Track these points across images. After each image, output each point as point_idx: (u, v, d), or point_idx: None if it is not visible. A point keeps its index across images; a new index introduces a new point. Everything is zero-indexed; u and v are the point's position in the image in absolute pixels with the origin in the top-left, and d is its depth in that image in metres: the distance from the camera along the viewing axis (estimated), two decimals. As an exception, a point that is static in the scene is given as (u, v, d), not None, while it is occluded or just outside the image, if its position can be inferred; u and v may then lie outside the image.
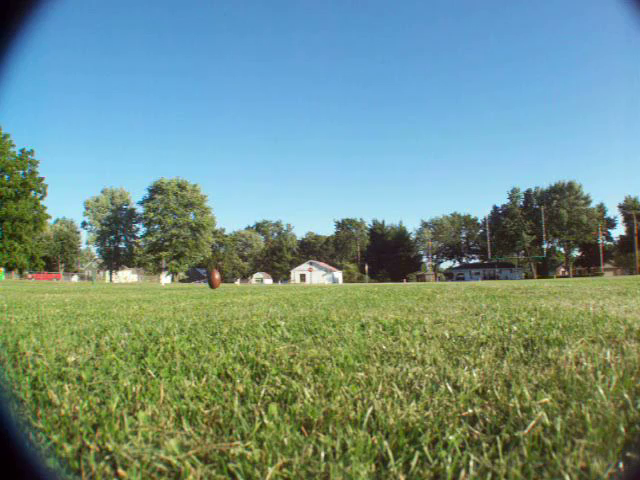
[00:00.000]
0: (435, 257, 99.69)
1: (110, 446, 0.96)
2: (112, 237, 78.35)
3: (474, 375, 1.47)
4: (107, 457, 0.93)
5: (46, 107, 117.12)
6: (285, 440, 0.99)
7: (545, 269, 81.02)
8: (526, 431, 1.01)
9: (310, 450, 0.95)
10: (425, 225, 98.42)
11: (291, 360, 1.74)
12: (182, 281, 73.56)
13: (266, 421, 1.09)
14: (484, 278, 76.70)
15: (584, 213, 78.67)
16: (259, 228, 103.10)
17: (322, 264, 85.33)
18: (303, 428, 1.07)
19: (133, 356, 1.85)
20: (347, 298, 5.75)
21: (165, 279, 63.89)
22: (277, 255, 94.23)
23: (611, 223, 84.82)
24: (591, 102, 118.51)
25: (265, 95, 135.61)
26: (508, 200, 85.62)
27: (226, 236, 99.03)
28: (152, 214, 72.26)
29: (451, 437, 0.99)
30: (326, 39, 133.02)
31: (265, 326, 2.71)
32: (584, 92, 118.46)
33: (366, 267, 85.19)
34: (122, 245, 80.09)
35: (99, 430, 1.05)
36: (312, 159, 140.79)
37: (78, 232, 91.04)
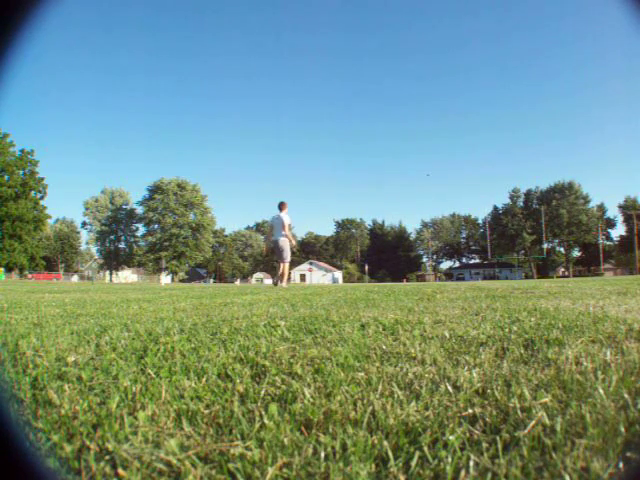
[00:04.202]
0: (435, 257, 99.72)
1: (110, 446, 0.96)
2: (112, 237, 78.36)
3: (474, 375, 1.47)
4: (107, 457, 0.93)
5: (46, 107, 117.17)
6: (285, 440, 0.99)
7: (545, 269, 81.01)
8: (526, 431, 1.01)
9: (310, 450, 0.94)
10: (425, 225, 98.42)
11: (291, 360, 1.74)
12: (182, 281, 73.53)
13: (266, 421, 1.09)
14: (484, 278, 76.67)
15: (584, 213, 78.64)
16: (259, 228, 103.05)
17: (322, 264, 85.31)
18: (303, 428, 1.07)
19: (133, 356, 1.85)
20: (347, 298, 5.74)
21: (165, 279, 63.90)
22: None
23: (611, 223, 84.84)
24: (591, 102, 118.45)
25: (265, 95, 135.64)
26: (508, 200, 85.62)
27: (226, 236, 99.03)
28: (152, 214, 72.27)
29: (451, 437, 0.98)
30: (326, 39, 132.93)
31: (265, 326, 2.71)
32: (584, 92, 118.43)
33: (366, 267, 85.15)
34: (122, 245, 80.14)
35: (99, 430, 1.05)
36: (312, 159, 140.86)
37: (78, 232, 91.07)
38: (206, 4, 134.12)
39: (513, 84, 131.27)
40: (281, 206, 11.83)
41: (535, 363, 1.65)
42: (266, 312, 3.72)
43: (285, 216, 11.70)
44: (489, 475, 0.84)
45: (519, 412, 1.12)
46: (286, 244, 11.66)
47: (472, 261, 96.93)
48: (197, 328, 2.69)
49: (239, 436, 1.03)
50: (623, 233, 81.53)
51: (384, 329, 2.58)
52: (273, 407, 1.17)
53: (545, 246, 79.95)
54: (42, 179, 55.42)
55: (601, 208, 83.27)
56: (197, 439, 1.00)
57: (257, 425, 1.07)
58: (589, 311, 3.40)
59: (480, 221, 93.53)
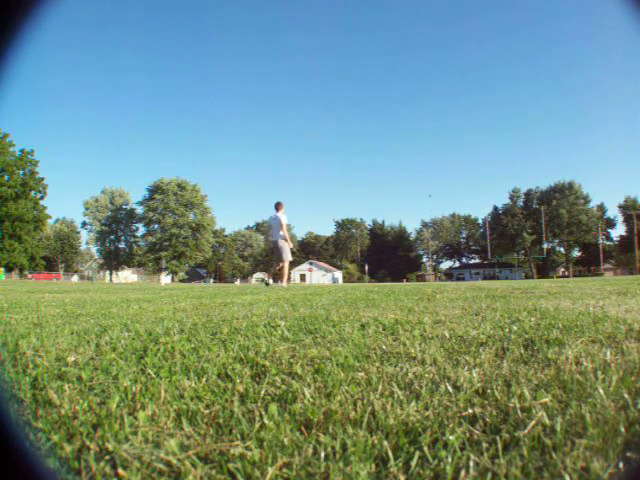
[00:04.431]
0: (435, 257, 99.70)
1: (110, 446, 0.96)
2: (112, 237, 78.36)
3: (474, 375, 1.47)
4: (107, 457, 0.93)
5: (46, 107, 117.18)
6: (285, 440, 0.99)
7: (545, 269, 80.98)
8: (526, 431, 1.01)
9: (310, 450, 0.94)
10: (425, 225, 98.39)
11: (291, 360, 1.74)
12: (182, 281, 73.53)
13: (266, 421, 1.09)
14: (484, 278, 76.65)
15: (584, 213, 78.58)
16: (259, 228, 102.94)
17: (322, 264, 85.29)
18: (303, 428, 1.07)
19: (133, 356, 1.85)
20: (347, 298, 5.74)
21: (165, 279, 63.87)
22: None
23: (611, 223, 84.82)
24: (591, 102, 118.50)
25: (265, 95, 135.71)
26: (508, 200, 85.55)
27: (226, 236, 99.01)
28: (152, 214, 72.26)
29: (451, 437, 0.98)
30: (326, 38, 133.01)
31: (265, 326, 2.71)
32: (584, 92, 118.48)
33: (366, 267, 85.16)
34: (122, 245, 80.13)
35: (99, 430, 1.05)
36: (312, 159, 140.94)
37: (78, 232, 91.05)
38: (206, 4, 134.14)
39: (513, 84, 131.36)
40: (278, 206, 11.94)
41: (535, 363, 1.65)
42: (266, 312, 3.72)
43: (282, 216, 11.83)
44: (489, 475, 0.84)
45: (519, 412, 1.12)
46: (285, 244, 11.78)
47: (472, 261, 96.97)
48: (197, 328, 2.69)
49: (239, 436, 1.03)
50: (623, 233, 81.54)
51: (384, 329, 2.58)
52: (273, 407, 1.17)
53: (545, 246, 79.93)
54: (42, 179, 55.42)
55: (601, 208, 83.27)
56: (197, 439, 1.00)
57: (257, 425, 1.07)
58: (589, 311, 3.40)
59: (480, 221, 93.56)
